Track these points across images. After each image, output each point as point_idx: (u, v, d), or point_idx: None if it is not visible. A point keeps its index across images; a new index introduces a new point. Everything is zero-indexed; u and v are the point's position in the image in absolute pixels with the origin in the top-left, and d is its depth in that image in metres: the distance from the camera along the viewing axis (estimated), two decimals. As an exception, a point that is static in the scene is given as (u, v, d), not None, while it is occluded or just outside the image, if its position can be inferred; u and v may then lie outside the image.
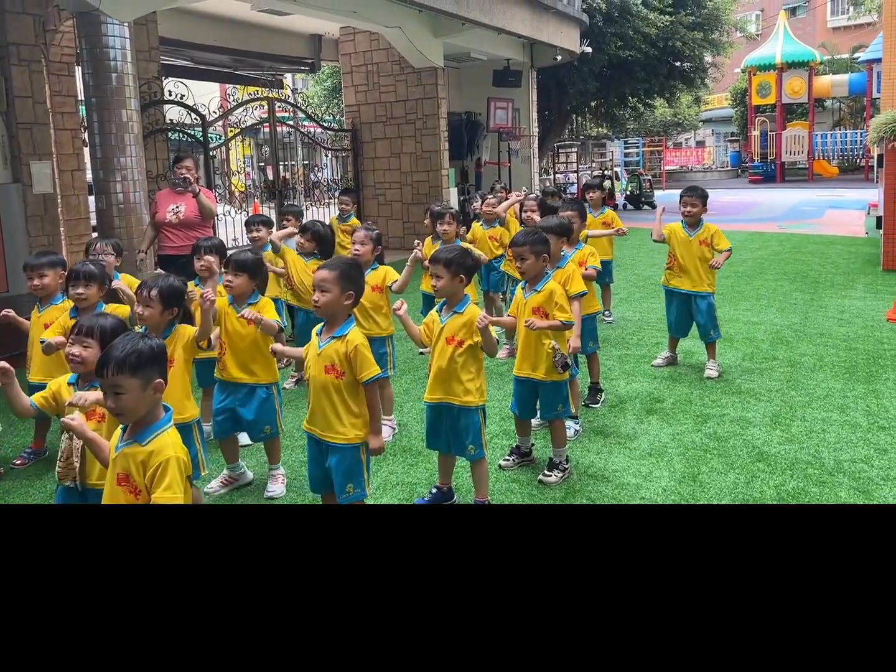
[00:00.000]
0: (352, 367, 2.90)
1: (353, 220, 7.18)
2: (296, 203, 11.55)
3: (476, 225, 6.49)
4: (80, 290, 3.56)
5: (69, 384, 2.71)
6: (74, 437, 2.56)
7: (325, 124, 13.23)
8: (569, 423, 4.28)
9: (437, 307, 3.40)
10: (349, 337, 2.91)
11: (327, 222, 6.16)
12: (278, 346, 3.30)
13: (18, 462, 4.19)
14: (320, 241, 4.98)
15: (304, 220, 5.69)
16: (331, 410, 2.93)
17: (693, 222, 5.25)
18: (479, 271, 5.34)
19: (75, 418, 2.26)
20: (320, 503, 3.21)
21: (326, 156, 12.97)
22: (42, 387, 2.91)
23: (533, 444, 4.12)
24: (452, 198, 11.89)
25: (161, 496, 2.06)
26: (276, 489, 3.75)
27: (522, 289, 3.81)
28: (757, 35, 30.44)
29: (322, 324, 3.06)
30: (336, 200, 12.56)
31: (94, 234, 6.78)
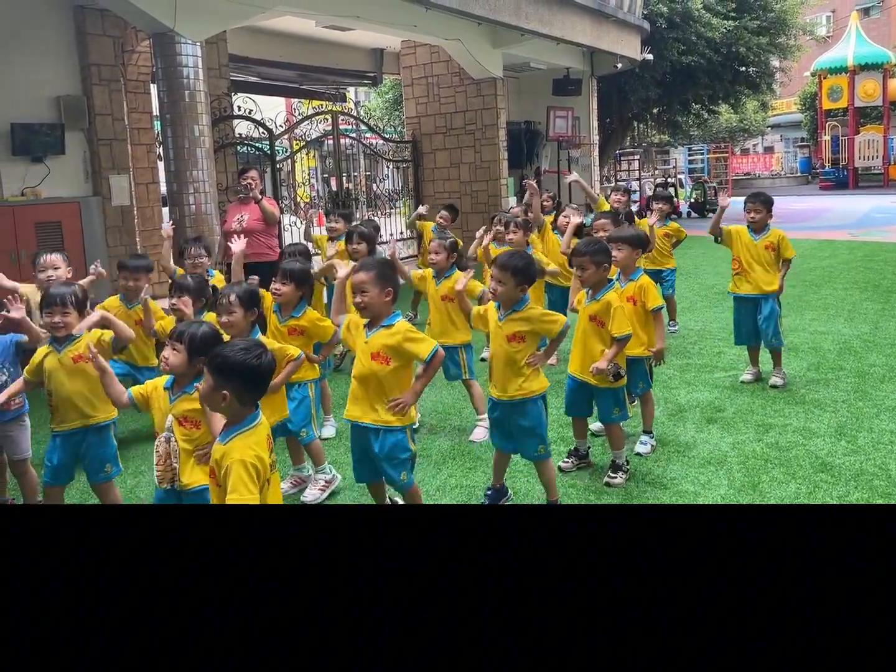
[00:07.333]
0: (400, 355, 3.03)
1: None
2: (357, 214, 11.77)
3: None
4: (174, 301, 3.77)
5: (165, 388, 2.83)
6: (171, 440, 2.73)
7: (387, 136, 13.47)
8: (644, 437, 4.24)
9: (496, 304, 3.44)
10: (396, 327, 3.04)
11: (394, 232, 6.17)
12: None
13: None
14: (370, 242, 5.07)
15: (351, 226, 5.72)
16: (375, 396, 3.05)
17: (758, 228, 5.16)
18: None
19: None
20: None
21: (388, 167, 13.17)
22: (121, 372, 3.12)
23: (589, 447, 4.15)
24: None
25: (229, 499, 2.19)
26: (311, 494, 3.77)
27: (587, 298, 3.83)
28: (827, 37, 29.54)
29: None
30: (400, 210, 12.86)
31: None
